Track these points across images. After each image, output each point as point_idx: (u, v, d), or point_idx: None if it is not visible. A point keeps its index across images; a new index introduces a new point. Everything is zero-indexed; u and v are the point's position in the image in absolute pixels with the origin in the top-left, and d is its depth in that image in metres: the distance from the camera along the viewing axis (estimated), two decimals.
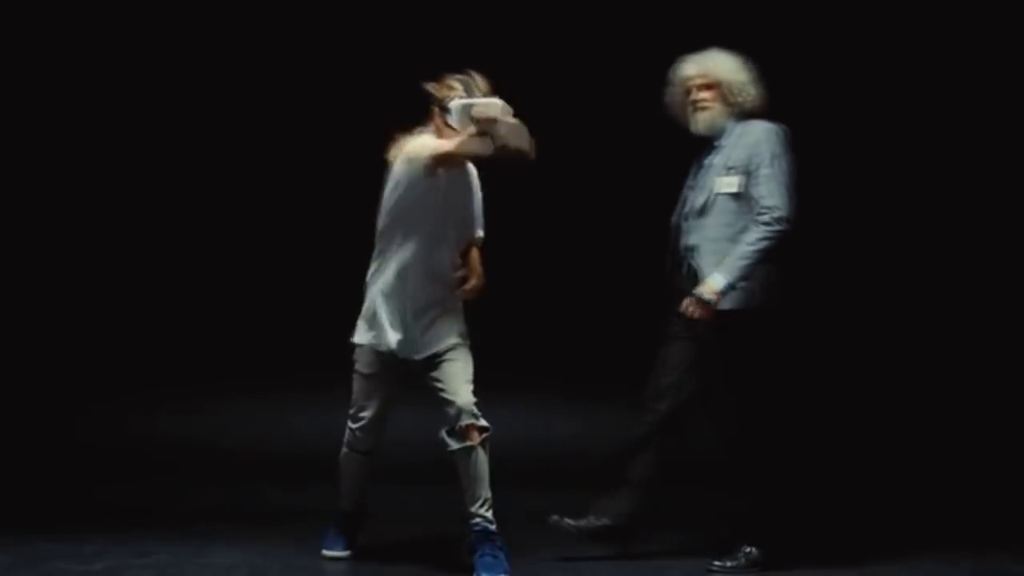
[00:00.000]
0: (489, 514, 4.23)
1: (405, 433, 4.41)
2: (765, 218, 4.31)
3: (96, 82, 6.65)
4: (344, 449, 4.48)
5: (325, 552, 4.51)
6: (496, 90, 4.18)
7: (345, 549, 4.52)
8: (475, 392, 4.27)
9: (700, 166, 4.51)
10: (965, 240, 6.56)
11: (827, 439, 6.43)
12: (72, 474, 5.96)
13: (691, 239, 4.42)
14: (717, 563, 4.37)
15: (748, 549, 4.38)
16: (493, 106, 4.04)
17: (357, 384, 4.39)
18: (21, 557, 4.35)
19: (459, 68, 4.25)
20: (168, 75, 6.67)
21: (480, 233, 4.46)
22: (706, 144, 4.52)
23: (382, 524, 4.93)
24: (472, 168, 4.37)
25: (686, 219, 4.47)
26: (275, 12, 6.65)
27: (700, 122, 4.47)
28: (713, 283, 4.26)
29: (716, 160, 4.44)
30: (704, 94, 4.45)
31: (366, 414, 4.38)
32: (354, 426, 4.41)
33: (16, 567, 4.22)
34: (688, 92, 4.49)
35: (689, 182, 4.53)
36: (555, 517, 4.51)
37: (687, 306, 4.27)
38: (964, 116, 6.53)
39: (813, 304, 6.59)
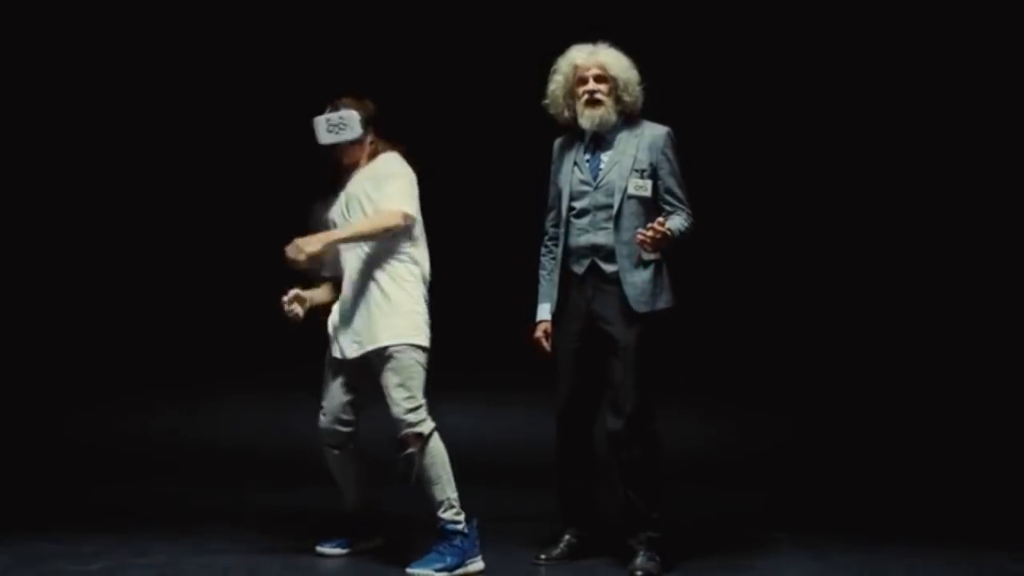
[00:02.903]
0: (448, 515, 4.24)
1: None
2: (687, 213, 4.34)
3: (96, 83, 6.65)
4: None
5: (317, 548, 4.53)
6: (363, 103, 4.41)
7: (337, 547, 4.53)
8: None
9: (580, 162, 4.41)
10: (966, 241, 6.56)
11: (828, 438, 6.44)
12: (71, 474, 5.96)
13: (599, 239, 4.34)
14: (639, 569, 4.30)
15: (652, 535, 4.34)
16: (347, 115, 4.35)
17: (324, 373, 4.49)
18: (20, 557, 4.35)
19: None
20: (166, 77, 6.67)
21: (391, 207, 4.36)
22: (574, 137, 4.46)
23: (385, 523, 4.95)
24: (377, 167, 4.42)
25: (580, 216, 4.39)
26: (276, 17, 6.64)
27: (594, 116, 4.34)
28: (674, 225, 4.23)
29: (612, 159, 4.36)
30: (601, 87, 4.33)
31: (323, 403, 4.45)
32: (320, 415, 4.46)
33: (15, 567, 4.22)
34: (581, 82, 4.35)
35: (568, 176, 4.42)
36: (542, 558, 4.50)
37: (650, 232, 4.11)
38: (965, 116, 6.53)
39: (813, 303, 6.61)
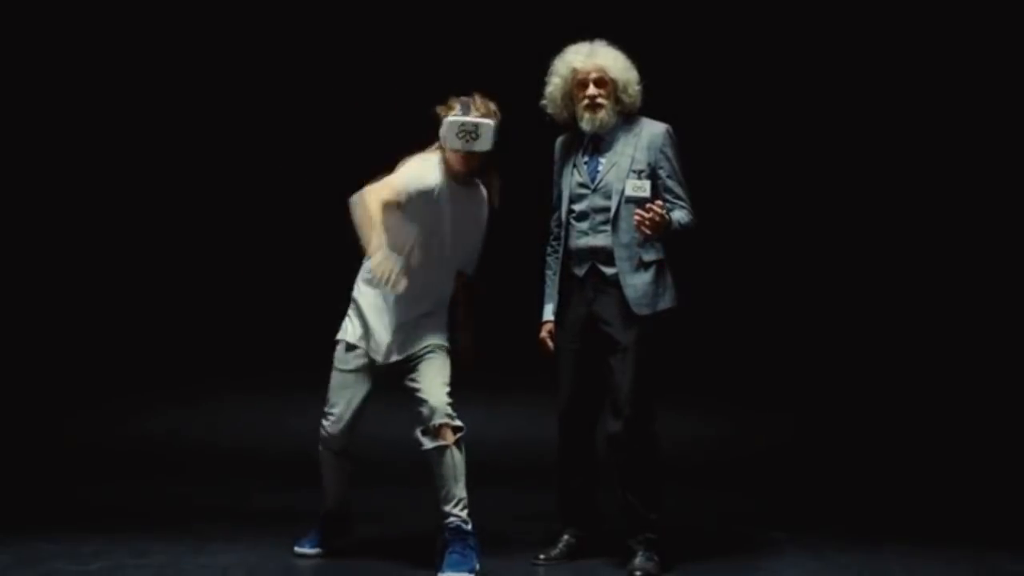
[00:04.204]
0: (463, 514, 4.23)
1: (399, 434, 4.40)
2: (688, 210, 4.32)
3: (96, 83, 6.65)
4: (319, 447, 4.49)
5: (296, 548, 4.52)
6: (496, 112, 4.24)
7: (315, 547, 4.53)
8: (456, 392, 4.28)
9: (579, 164, 4.40)
10: (966, 240, 6.56)
11: (827, 438, 6.43)
12: (70, 474, 5.95)
13: (598, 241, 4.33)
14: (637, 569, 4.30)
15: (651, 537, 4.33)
16: (484, 126, 4.15)
17: (332, 380, 4.43)
18: (19, 557, 4.34)
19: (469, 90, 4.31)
20: (165, 77, 6.67)
21: (470, 270, 4.50)
22: (575, 137, 4.45)
23: (378, 523, 4.96)
24: (483, 195, 4.40)
25: (579, 219, 4.38)
26: (278, 16, 6.64)
27: (595, 121, 4.31)
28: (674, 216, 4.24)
29: (610, 160, 4.34)
30: (601, 90, 4.30)
31: (336, 410, 4.40)
32: (325, 423, 4.43)
33: (14, 567, 4.22)
34: (581, 86, 4.32)
35: (568, 179, 4.41)
36: (540, 558, 4.50)
37: (649, 211, 4.07)
38: (965, 116, 6.53)
39: (813, 303, 6.61)
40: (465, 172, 4.29)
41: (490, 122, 4.20)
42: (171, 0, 6.65)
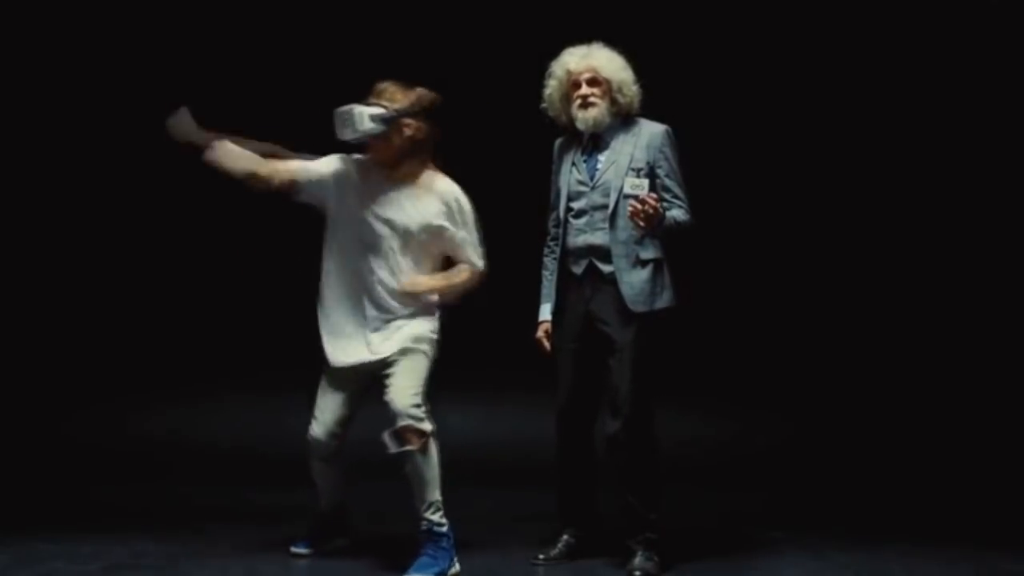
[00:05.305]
0: (435, 517, 4.20)
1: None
2: (686, 210, 4.33)
3: (95, 83, 6.64)
4: (308, 458, 4.46)
5: (292, 549, 4.52)
6: (399, 97, 4.26)
7: (310, 547, 4.53)
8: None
9: (578, 162, 4.41)
10: (965, 241, 6.56)
11: (828, 438, 6.43)
12: (70, 474, 5.96)
13: (596, 239, 4.34)
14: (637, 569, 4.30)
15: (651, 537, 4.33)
16: (351, 112, 4.19)
17: (320, 383, 4.42)
18: (18, 557, 4.34)
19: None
20: (166, 76, 6.66)
21: (475, 264, 4.39)
22: (574, 138, 4.46)
23: (375, 522, 4.96)
24: (434, 187, 4.34)
25: (578, 216, 4.39)
26: (279, 18, 6.65)
27: (588, 119, 4.33)
28: (670, 214, 4.25)
29: (609, 158, 4.36)
30: (594, 89, 4.33)
31: (318, 414, 4.39)
32: (310, 426, 4.40)
33: (13, 567, 4.21)
34: (575, 86, 4.35)
35: (567, 176, 4.43)
36: (540, 558, 4.49)
37: (643, 203, 4.08)
38: (964, 117, 6.53)
39: (813, 302, 6.61)
40: (377, 161, 4.32)
41: (356, 107, 4.20)
42: (170, 3, 6.64)
